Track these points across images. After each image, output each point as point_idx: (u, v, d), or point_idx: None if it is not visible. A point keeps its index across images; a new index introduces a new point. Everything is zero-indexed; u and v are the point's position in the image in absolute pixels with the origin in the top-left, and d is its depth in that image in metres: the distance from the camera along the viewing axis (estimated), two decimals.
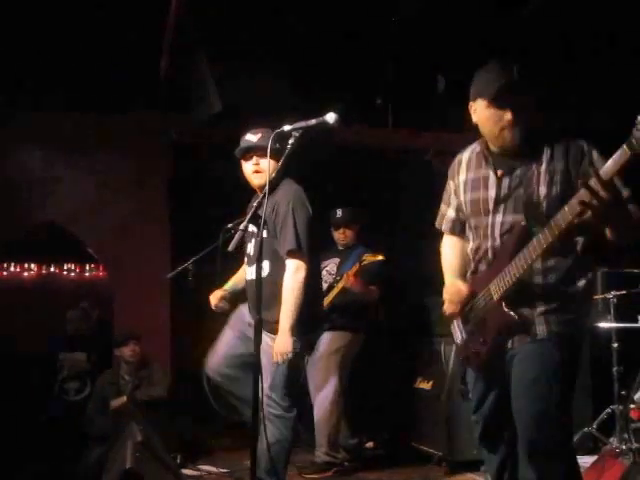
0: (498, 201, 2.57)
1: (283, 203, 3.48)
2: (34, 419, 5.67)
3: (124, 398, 5.19)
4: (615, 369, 4.56)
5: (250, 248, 3.69)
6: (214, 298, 3.90)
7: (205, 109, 5.51)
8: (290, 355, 3.41)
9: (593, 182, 2.20)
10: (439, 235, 2.98)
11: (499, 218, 2.57)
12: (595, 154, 2.49)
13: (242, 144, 3.61)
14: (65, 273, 9.71)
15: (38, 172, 6.36)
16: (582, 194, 2.24)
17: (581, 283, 2.54)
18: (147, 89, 5.90)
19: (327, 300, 4.85)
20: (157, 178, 6.59)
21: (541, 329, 2.51)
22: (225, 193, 6.30)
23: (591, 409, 4.93)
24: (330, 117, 2.70)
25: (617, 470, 3.89)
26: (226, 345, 3.87)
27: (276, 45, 5.30)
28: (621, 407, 4.44)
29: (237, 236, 2.75)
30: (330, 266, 5.14)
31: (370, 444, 5.67)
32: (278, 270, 3.51)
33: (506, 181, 2.57)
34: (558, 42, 5.18)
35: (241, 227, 2.75)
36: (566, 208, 2.30)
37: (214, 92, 5.43)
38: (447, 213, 2.86)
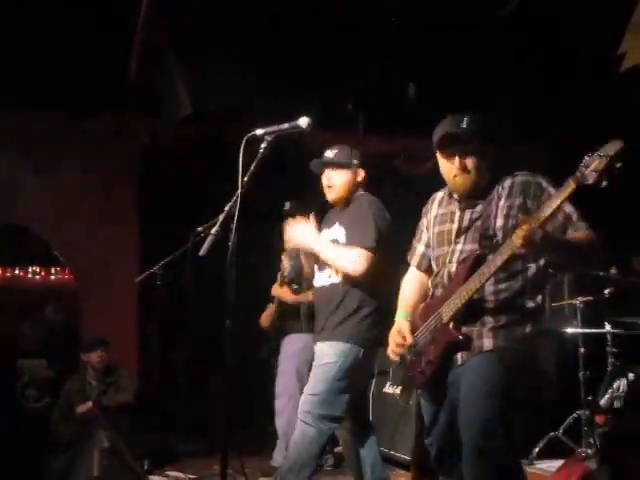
0: (459, 232, 2.77)
1: (364, 207, 3.49)
2: None
3: (90, 404, 5.12)
4: (581, 374, 4.61)
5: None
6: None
7: (175, 110, 5.47)
8: None
9: (526, 225, 2.39)
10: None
11: (459, 247, 2.76)
12: (552, 190, 2.63)
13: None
14: (30, 276, 9.56)
15: (3, 174, 6.26)
16: (517, 233, 2.42)
17: (530, 304, 2.67)
18: (116, 90, 5.84)
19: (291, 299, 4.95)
20: (126, 180, 6.54)
21: (487, 342, 2.63)
22: (195, 195, 6.29)
23: (558, 414, 4.98)
24: (303, 121, 2.70)
25: (582, 474, 3.93)
26: None
27: (245, 48, 5.28)
28: (587, 412, 4.49)
29: (209, 240, 2.73)
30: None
31: (339, 449, 5.66)
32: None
33: (468, 214, 2.78)
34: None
35: (212, 231, 2.73)
36: (508, 241, 2.49)
37: (184, 93, 5.40)
38: (417, 248, 3.04)
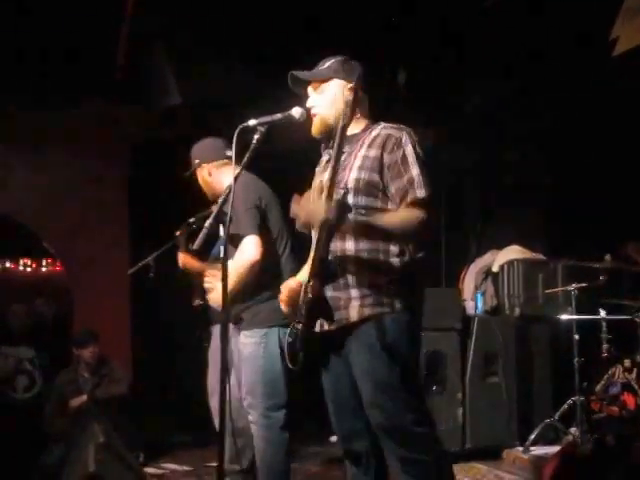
0: (322, 186, 2.57)
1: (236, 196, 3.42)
2: None
3: (84, 397, 5.10)
4: (576, 360, 4.62)
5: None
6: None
7: (163, 102, 5.42)
8: None
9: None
10: None
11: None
12: (409, 148, 2.52)
13: None
14: (21, 268, 9.52)
15: None
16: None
17: (398, 265, 2.51)
18: (103, 83, 5.78)
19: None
20: (115, 173, 6.48)
21: (353, 313, 2.50)
22: (185, 188, 6.25)
23: (552, 400, 5.00)
24: (296, 111, 2.65)
25: (578, 460, 3.94)
26: None
27: (235, 40, 5.22)
28: (582, 398, 4.51)
29: (202, 234, 2.70)
30: None
31: (333, 438, 5.65)
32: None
33: (323, 163, 2.71)
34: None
35: (205, 224, 2.69)
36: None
37: (172, 85, 5.35)
38: None
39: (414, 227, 2.48)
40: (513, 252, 5.51)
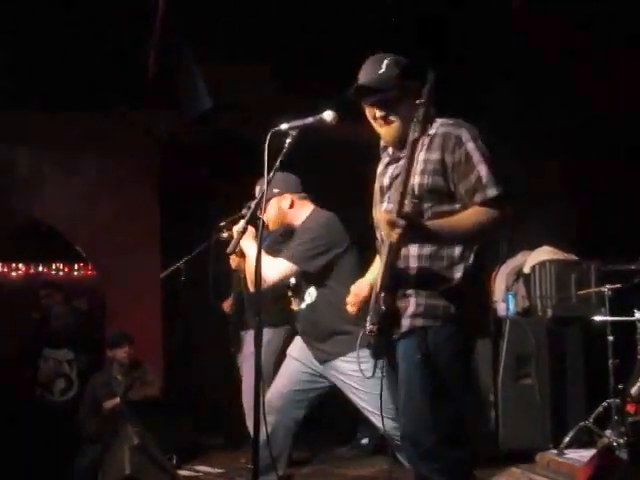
0: (383, 191, 2.59)
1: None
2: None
3: (117, 399, 5.14)
4: (610, 362, 4.56)
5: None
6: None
7: (194, 107, 5.45)
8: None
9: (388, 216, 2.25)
10: None
11: (383, 207, 2.56)
12: (470, 145, 2.43)
13: None
14: (54, 272, 9.62)
15: (24, 172, 6.29)
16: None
17: (458, 273, 2.46)
18: (134, 87, 5.83)
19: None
20: (146, 178, 6.53)
21: (406, 323, 2.45)
22: (215, 191, 6.29)
23: (586, 403, 4.94)
24: (328, 115, 2.65)
25: (613, 464, 3.89)
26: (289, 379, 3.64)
27: (261, 45, 5.23)
28: (617, 401, 4.44)
29: (236, 238, 2.71)
30: None
31: (365, 440, 5.65)
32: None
33: (391, 169, 2.59)
34: None
35: (238, 228, 2.71)
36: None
37: (203, 90, 5.38)
38: None
39: (490, 227, 2.40)
40: (545, 253, 5.46)
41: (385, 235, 2.30)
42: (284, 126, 2.64)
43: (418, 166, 2.46)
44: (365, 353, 2.58)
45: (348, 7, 4.77)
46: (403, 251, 2.45)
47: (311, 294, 3.49)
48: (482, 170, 2.40)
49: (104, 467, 4.07)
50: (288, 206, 3.62)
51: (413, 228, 2.25)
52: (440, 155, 2.45)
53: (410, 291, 2.47)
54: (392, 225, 2.22)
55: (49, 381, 6.05)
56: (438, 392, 2.41)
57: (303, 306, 3.53)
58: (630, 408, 4.25)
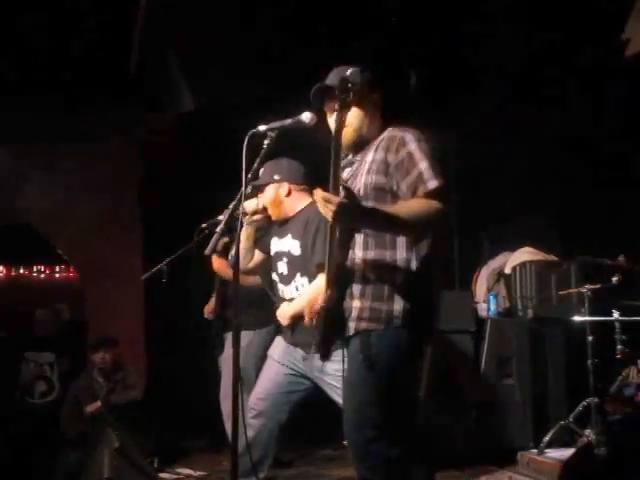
0: (338, 192, 2.56)
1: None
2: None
3: (99, 403, 5.12)
4: (590, 362, 4.58)
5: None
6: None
7: (176, 107, 5.44)
8: None
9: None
10: None
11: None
12: (413, 145, 2.46)
13: None
14: (35, 274, 9.57)
15: (5, 172, 6.25)
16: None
17: (402, 277, 2.47)
18: (117, 87, 5.82)
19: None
20: (128, 178, 6.52)
21: (352, 325, 2.48)
22: (198, 193, 6.27)
23: (567, 402, 4.97)
24: (306, 116, 2.65)
25: (593, 462, 3.91)
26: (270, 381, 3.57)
27: (245, 46, 5.23)
28: (597, 400, 4.47)
29: (214, 239, 2.71)
30: None
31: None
32: None
33: (345, 173, 2.61)
34: None
35: (217, 229, 2.71)
36: None
37: (185, 89, 5.37)
38: None
39: (431, 216, 2.38)
40: (526, 254, 5.48)
41: (323, 215, 2.29)
42: (262, 127, 2.64)
43: (365, 167, 2.53)
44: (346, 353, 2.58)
45: None
46: (350, 254, 2.48)
47: (304, 285, 3.45)
48: (423, 166, 2.42)
49: (85, 470, 4.05)
50: (285, 194, 3.59)
51: (347, 205, 2.24)
52: (384, 155, 2.51)
53: (355, 293, 2.49)
54: (327, 201, 2.21)
55: (30, 384, 6.00)
56: (377, 393, 2.43)
57: (296, 295, 3.49)
58: (609, 407, 4.29)
